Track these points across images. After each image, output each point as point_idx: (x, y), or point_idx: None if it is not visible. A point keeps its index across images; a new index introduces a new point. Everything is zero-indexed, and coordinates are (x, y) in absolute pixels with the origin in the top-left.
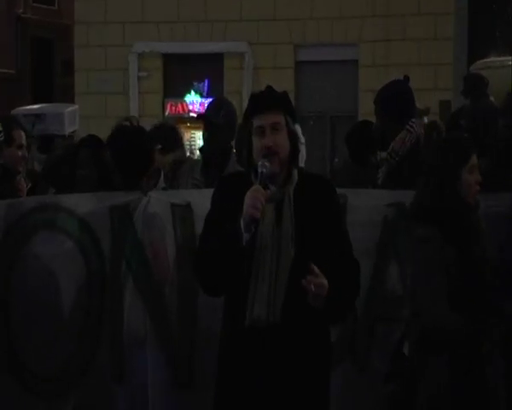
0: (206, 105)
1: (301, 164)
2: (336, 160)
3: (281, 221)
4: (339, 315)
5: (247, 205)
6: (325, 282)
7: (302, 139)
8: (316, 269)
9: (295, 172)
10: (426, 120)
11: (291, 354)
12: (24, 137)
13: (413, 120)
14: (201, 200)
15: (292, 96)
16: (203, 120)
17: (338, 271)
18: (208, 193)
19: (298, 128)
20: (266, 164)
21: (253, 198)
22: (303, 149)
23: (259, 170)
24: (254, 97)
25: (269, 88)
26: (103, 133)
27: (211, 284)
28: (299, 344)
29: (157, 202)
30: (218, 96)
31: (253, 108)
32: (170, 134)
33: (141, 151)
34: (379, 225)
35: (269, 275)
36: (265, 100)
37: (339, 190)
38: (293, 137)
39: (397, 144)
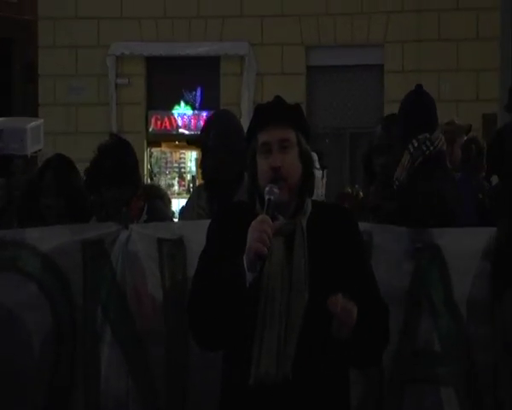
0: (198, 119)
1: (321, 197)
2: (357, 186)
3: (291, 258)
4: (364, 360)
5: (252, 239)
6: (354, 308)
7: (317, 173)
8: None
9: (309, 202)
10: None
11: None
12: None
13: (420, 137)
14: (197, 233)
15: (303, 109)
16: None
17: (363, 315)
18: (205, 225)
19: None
20: (275, 190)
21: (260, 231)
22: (317, 185)
23: (266, 197)
24: (260, 109)
25: (278, 98)
26: (73, 152)
27: (206, 335)
28: (314, 405)
29: (140, 237)
30: (214, 111)
31: (258, 121)
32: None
33: (129, 171)
34: (409, 272)
35: (278, 322)
36: (273, 112)
37: (362, 226)
38: (305, 159)
39: (398, 171)
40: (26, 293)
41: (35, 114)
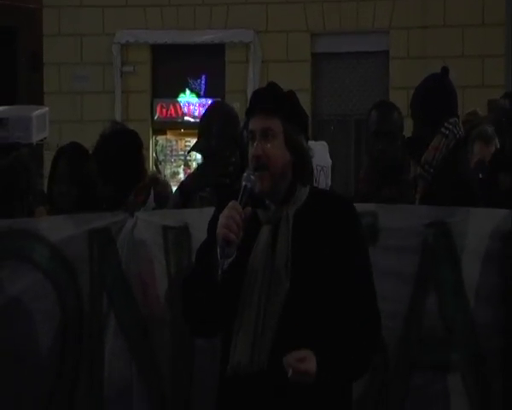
0: (203, 107)
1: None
2: (362, 170)
3: (276, 247)
4: (340, 382)
5: (220, 225)
6: (310, 367)
7: (328, 162)
8: (300, 353)
9: (302, 190)
10: None
11: (281, 408)
12: None
13: (450, 120)
14: (201, 221)
15: (308, 96)
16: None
17: (347, 320)
18: (210, 212)
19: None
20: (252, 177)
21: (228, 217)
22: (327, 174)
23: (243, 183)
24: (252, 96)
25: (270, 85)
26: (78, 140)
27: (194, 324)
28: (291, 396)
29: (146, 224)
30: (210, 105)
31: (249, 108)
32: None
33: (131, 159)
34: (417, 251)
35: (256, 310)
36: (259, 100)
37: (367, 207)
38: (294, 147)
39: (429, 154)
40: (32, 282)
41: (40, 103)
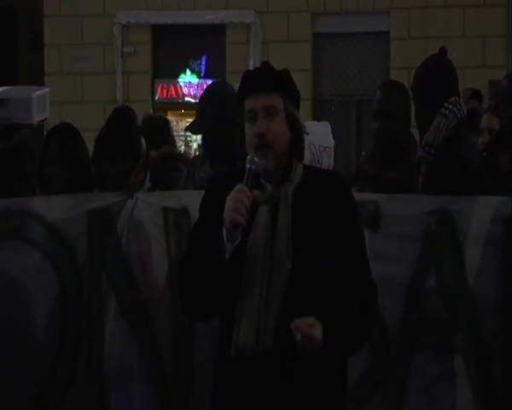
0: (204, 88)
1: (329, 167)
2: (363, 153)
3: (276, 227)
4: (347, 352)
5: (228, 208)
6: (317, 334)
7: (330, 142)
8: (308, 320)
9: (298, 168)
10: None
11: (286, 388)
12: None
13: (451, 99)
14: None
15: (309, 76)
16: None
17: (346, 294)
18: None
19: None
20: (256, 159)
21: (236, 200)
22: (329, 154)
23: (247, 166)
24: (246, 76)
25: (264, 64)
26: (79, 121)
27: (192, 306)
28: (296, 376)
29: (146, 205)
30: (208, 85)
31: (245, 88)
32: (160, 127)
33: (130, 137)
34: (419, 239)
35: (259, 292)
36: (258, 78)
37: (368, 196)
38: (294, 124)
39: (430, 135)
40: (31, 262)
41: (41, 84)
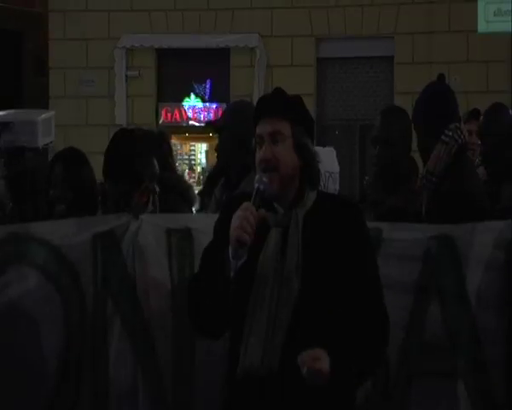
0: (208, 111)
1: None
2: (367, 178)
3: (286, 250)
4: (352, 382)
5: (234, 226)
6: (324, 366)
7: (336, 168)
8: (314, 353)
9: (311, 195)
10: None
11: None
12: None
13: (450, 126)
14: (205, 226)
15: (313, 101)
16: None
17: (357, 320)
18: (214, 218)
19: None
20: (264, 179)
21: (241, 218)
22: (335, 180)
23: (255, 185)
24: (258, 101)
25: (276, 90)
26: (84, 144)
27: (201, 324)
28: (301, 398)
29: (150, 227)
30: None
31: (256, 113)
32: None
33: (136, 158)
34: (419, 260)
35: (267, 313)
36: (266, 105)
37: (371, 224)
38: (303, 151)
39: (431, 163)
40: (35, 286)
41: (46, 107)
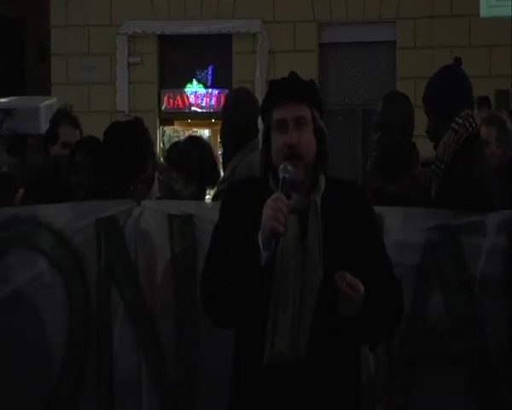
0: (210, 97)
1: None
2: (369, 163)
3: (306, 236)
4: (375, 337)
5: (267, 217)
6: (361, 286)
7: None
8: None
9: (322, 179)
10: None
11: (318, 396)
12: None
13: (462, 113)
14: (206, 212)
15: (316, 85)
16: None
17: (376, 292)
18: (216, 206)
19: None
20: (289, 168)
21: (274, 209)
22: None
23: (281, 175)
24: (275, 85)
25: (293, 74)
26: (86, 131)
27: (221, 314)
28: (327, 384)
29: (152, 212)
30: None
31: (274, 97)
32: None
33: (136, 147)
34: (419, 248)
35: (292, 301)
36: (289, 88)
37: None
38: (320, 135)
39: (440, 150)
40: (39, 270)
41: (48, 94)
